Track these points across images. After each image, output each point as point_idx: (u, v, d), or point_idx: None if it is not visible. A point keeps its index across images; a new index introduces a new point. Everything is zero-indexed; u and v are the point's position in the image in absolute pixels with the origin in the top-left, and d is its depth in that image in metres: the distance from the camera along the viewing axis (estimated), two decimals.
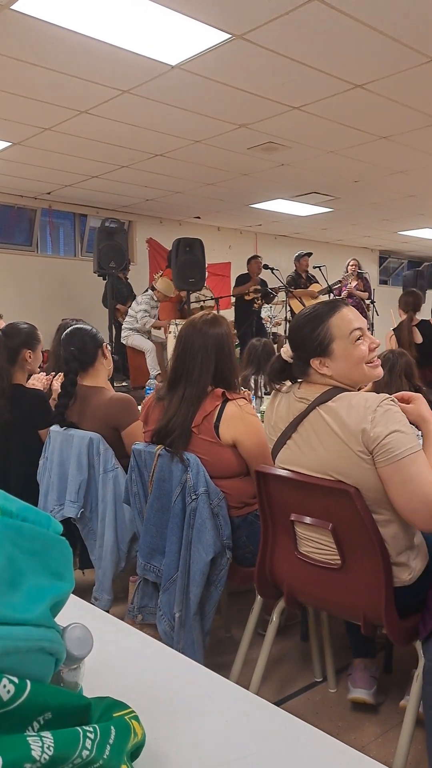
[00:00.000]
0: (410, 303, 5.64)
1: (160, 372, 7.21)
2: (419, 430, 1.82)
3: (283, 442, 1.86)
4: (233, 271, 9.93)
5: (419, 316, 5.71)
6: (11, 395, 2.79)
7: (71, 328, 2.75)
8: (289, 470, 1.85)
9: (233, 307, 8.80)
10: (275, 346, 8.24)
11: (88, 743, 0.47)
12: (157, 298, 7.52)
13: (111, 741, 0.50)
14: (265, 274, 8.52)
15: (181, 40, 3.99)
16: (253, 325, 8.12)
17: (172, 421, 2.16)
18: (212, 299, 8.19)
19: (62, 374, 3.32)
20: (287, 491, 1.89)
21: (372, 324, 8.69)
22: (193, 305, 7.80)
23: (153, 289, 7.57)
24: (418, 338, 5.58)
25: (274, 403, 1.94)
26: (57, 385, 2.91)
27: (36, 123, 5.61)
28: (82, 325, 2.78)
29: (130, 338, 7.50)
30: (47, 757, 0.44)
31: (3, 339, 2.85)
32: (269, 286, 8.49)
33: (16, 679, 0.45)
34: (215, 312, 2.72)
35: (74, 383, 2.63)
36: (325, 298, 8.39)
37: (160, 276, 7.79)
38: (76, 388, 2.67)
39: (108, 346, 2.80)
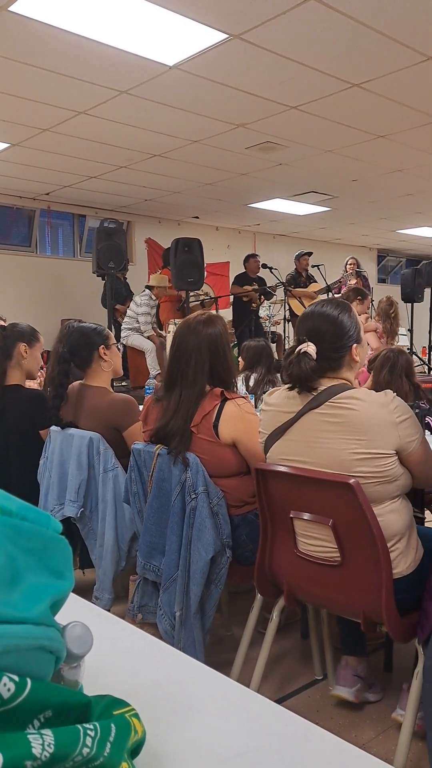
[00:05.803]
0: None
1: (159, 372, 7.21)
2: None
3: (282, 432, 1.86)
4: (232, 270, 9.94)
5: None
6: (9, 394, 2.78)
7: (73, 327, 2.71)
8: (288, 465, 1.85)
9: (231, 307, 8.79)
10: (274, 345, 8.29)
11: (89, 741, 0.47)
12: (156, 295, 7.51)
13: (111, 738, 0.50)
14: (264, 273, 8.52)
15: (179, 40, 3.99)
16: (251, 325, 8.11)
17: (170, 424, 2.15)
18: (212, 298, 8.18)
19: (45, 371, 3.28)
20: (287, 487, 1.89)
21: None
22: (193, 304, 7.79)
23: (149, 288, 7.56)
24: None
25: (278, 391, 1.95)
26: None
27: (34, 124, 5.61)
28: (83, 325, 2.72)
29: (130, 338, 7.49)
30: (48, 755, 0.44)
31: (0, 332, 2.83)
32: (267, 285, 8.48)
33: (16, 678, 0.45)
34: (211, 311, 2.70)
35: (64, 385, 2.60)
36: (324, 297, 8.40)
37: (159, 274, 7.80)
38: (79, 387, 2.66)
39: (110, 347, 2.69)
